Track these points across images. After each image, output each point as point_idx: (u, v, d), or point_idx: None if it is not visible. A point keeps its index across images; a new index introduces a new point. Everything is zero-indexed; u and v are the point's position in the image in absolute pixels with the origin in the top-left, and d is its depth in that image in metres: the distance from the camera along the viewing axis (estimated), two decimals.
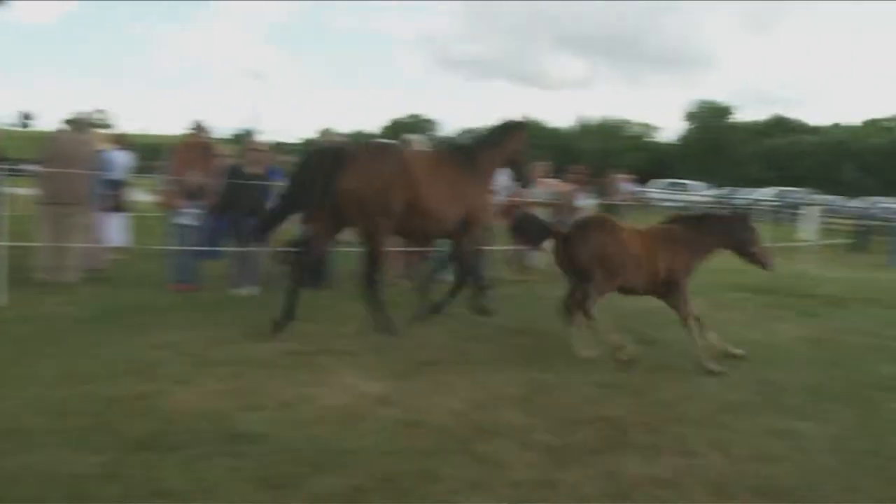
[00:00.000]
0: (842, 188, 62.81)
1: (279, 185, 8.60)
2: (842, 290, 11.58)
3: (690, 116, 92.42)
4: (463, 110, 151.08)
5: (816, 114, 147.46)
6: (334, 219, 6.78)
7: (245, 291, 8.75)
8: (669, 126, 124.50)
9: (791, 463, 4.22)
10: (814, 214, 14.63)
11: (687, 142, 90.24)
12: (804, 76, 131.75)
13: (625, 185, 30.16)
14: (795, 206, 28.00)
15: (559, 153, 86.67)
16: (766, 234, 11.38)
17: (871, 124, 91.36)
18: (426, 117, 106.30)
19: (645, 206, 34.01)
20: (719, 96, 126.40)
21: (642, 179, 63.81)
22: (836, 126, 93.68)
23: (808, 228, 14.39)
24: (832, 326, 8.46)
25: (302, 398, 4.94)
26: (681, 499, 3.74)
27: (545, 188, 11.57)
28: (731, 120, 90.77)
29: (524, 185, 8.58)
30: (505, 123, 7.74)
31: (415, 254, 8.81)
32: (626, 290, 6.53)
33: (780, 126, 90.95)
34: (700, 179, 49.64)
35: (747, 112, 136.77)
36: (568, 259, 6.42)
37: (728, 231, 6.60)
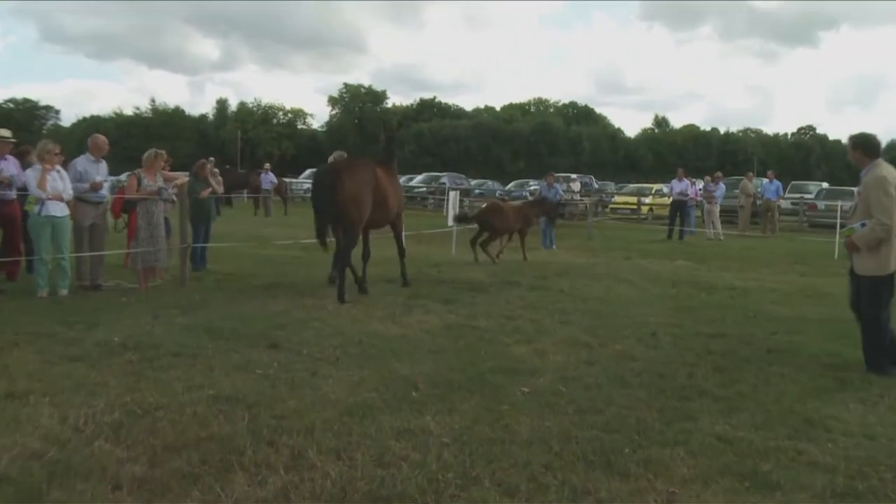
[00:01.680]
0: (496, 172, 69.58)
1: None
2: (485, 274, 12.65)
3: (334, 101, 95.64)
4: (86, 94, 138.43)
5: (466, 99, 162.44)
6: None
7: None
8: (322, 112, 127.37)
9: (411, 463, 4.33)
10: (455, 199, 15.76)
11: (335, 127, 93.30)
12: (451, 63, 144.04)
13: (267, 177, 30.20)
14: (444, 191, 30.15)
15: (199, 142, 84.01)
16: (420, 223, 12.02)
17: (510, 108, 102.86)
18: (39, 102, 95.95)
19: (290, 197, 34.16)
20: (369, 81, 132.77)
21: (294, 168, 64.13)
22: (484, 110, 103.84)
23: (451, 213, 15.47)
24: (467, 312, 9.13)
25: None
26: None
27: (166, 179, 10.99)
28: (382, 105, 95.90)
29: None
30: (393, 136, 11.68)
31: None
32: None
33: (429, 110, 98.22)
34: None
35: (397, 97, 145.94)
36: (483, 221, 14.64)
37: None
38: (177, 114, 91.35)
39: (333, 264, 10.67)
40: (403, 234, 11.48)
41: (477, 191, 40.02)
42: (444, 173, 44.39)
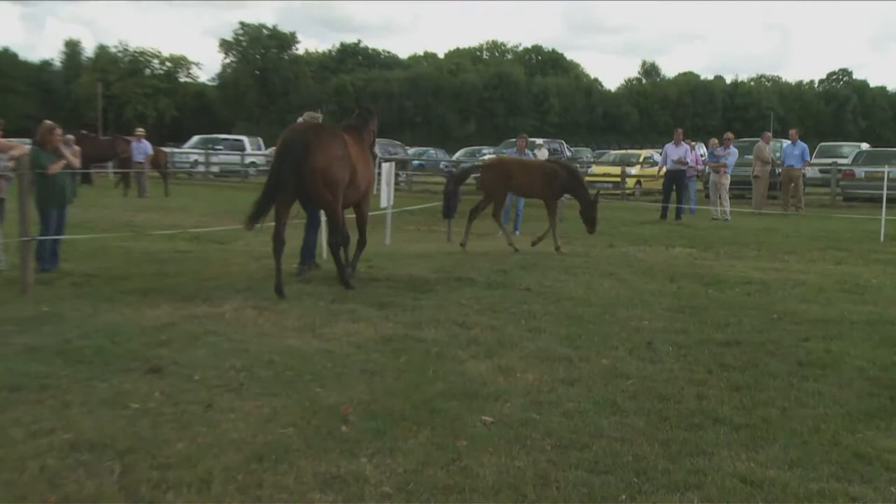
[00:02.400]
0: (439, 137, 69.73)
1: None
2: (429, 268, 12.63)
3: (228, 46, 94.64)
4: None
5: (399, 43, 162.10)
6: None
7: None
8: (212, 61, 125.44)
9: None
10: (389, 173, 15.65)
11: (230, 81, 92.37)
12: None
13: (140, 146, 29.67)
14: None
15: (42, 99, 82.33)
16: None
17: (456, 55, 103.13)
18: None
19: (173, 172, 33.73)
20: (273, 20, 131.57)
21: (177, 134, 63.31)
22: (424, 57, 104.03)
23: (384, 192, 15.35)
24: (409, 319, 9.10)
25: None
26: None
27: None
28: (291, 51, 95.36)
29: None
30: (369, 109, 12.44)
31: None
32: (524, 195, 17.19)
33: (352, 58, 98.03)
34: (251, 131, 50.57)
35: (311, 40, 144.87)
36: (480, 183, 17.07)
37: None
38: (6, 58, 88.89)
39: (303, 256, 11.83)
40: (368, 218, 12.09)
41: (416, 162, 40.03)
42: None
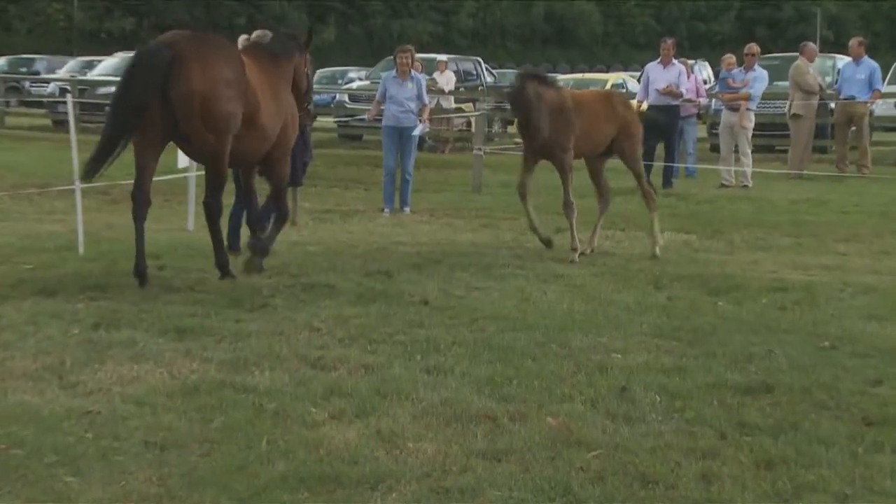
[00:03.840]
0: None
1: None
2: (265, 269, 12.53)
3: None
4: None
5: None
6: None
7: None
8: None
9: None
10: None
11: None
12: None
13: None
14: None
15: None
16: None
17: None
18: None
19: None
20: None
21: None
22: None
23: None
24: (228, 354, 9.06)
25: None
26: None
27: None
28: None
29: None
30: (294, 37, 13.73)
31: None
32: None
33: None
34: None
35: None
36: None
37: None
38: None
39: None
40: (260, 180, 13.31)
41: None
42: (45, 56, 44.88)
